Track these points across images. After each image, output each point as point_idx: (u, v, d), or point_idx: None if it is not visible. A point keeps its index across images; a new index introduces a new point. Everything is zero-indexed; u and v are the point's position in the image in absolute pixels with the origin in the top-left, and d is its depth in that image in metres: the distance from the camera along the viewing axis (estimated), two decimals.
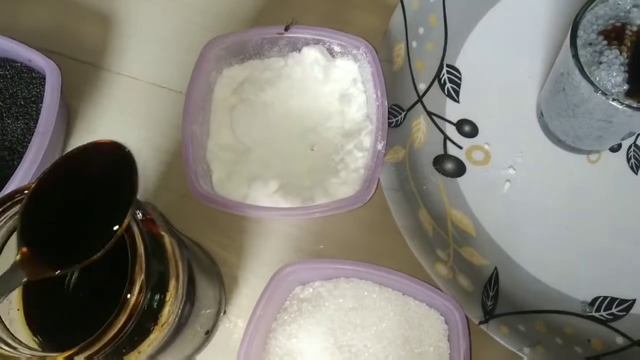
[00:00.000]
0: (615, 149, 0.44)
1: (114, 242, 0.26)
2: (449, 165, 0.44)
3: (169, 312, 0.29)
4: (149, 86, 0.48)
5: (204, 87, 0.42)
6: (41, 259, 0.26)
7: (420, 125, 0.45)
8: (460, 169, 0.44)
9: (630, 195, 0.43)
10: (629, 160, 0.44)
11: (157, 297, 0.28)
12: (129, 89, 0.48)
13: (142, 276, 0.26)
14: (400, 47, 0.45)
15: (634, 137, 0.44)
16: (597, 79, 0.35)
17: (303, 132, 0.43)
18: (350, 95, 0.43)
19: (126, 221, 0.27)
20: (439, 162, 0.44)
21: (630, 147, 0.44)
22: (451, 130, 0.45)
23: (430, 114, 0.45)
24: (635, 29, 0.36)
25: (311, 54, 0.43)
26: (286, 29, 0.42)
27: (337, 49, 0.43)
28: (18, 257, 0.26)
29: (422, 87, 0.46)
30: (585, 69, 0.35)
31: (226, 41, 0.42)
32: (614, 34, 0.36)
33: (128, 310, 0.26)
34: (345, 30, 0.44)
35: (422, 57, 0.46)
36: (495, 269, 0.41)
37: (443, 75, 0.46)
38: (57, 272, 0.26)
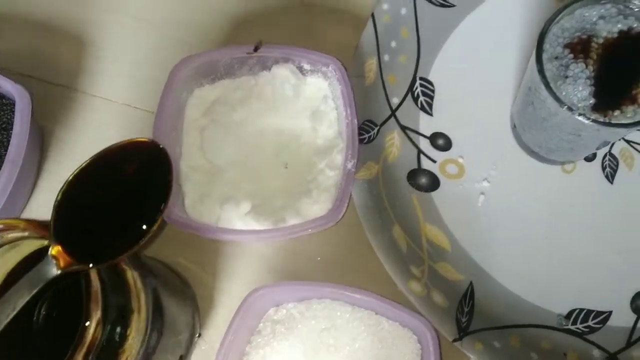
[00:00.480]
0: (590, 158, 0.44)
1: (146, 240, 0.28)
2: (423, 180, 0.44)
3: (132, 346, 0.29)
4: (123, 107, 0.48)
5: (175, 108, 0.42)
6: (73, 253, 0.27)
7: (393, 140, 0.45)
8: (434, 183, 0.44)
9: (606, 204, 0.43)
10: (604, 169, 0.44)
11: (117, 331, 0.28)
12: (104, 110, 0.48)
13: (99, 312, 0.26)
14: (372, 61, 0.45)
15: (609, 146, 0.44)
16: (564, 93, 0.35)
17: (276, 151, 0.43)
18: (321, 112, 0.43)
19: (159, 219, 0.29)
20: (413, 176, 0.44)
21: (605, 156, 0.44)
22: (425, 144, 0.45)
23: (403, 128, 0.45)
24: (601, 41, 0.36)
25: (281, 73, 0.42)
26: (255, 49, 0.42)
27: (307, 66, 0.43)
28: (51, 250, 0.27)
29: (395, 101, 0.46)
30: (551, 84, 0.35)
31: (196, 61, 0.42)
32: (580, 47, 0.36)
33: (85, 347, 0.26)
34: (317, 46, 0.44)
35: (395, 71, 0.46)
36: (471, 283, 0.41)
37: (416, 88, 0.46)
38: (89, 267, 0.27)
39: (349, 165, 0.40)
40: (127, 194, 0.30)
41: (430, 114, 0.46)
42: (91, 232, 0.29)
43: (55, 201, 0.28)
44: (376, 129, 0.44)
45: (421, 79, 0.46)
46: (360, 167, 0.42)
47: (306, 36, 0.49)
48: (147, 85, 0.48)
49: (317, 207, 0.40)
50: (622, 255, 0.42)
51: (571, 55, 0.36)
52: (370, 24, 0.45)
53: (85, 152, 0.46)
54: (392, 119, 0.45)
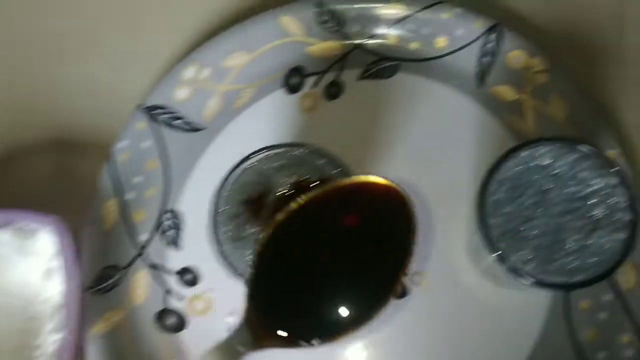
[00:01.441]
0: None
1: (371, 322, 0.20)
2: (171, 320, 0.44)
3: None
4: None
5: None
6: (273, 325, 0.22)
7: (140, 282, 0.44)
8: (181, 323, 0.44)
9: None
10: None
11: None
12: None
13: None
14: (112, 203, 0.45)
15: None
16: (236, 258, 0.35)
17: (8, 314, 0.42)
18: (53, 269, 0.42)
19: (392, 294, 0.21)
20: (160, 318, 0.44)
21: None
22: (173, 281, 0.44)
23: (151, 267, 0.45)
24: (275, 196, 0.35)
25: (5, 236, 0.42)
26: None
27: (33, 225, 0.42)
28: (244, 322, 0.21)
29: (143, 238, 0.45)
30: (230, 247, 0.35)
31: None
32: (255, 203, 0.36)
33: None
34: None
35: (142, 207, 0.45)
36: None
37: (164, 221, 0.45)
38: (294, 346, 0.21)
39: (65, 332, 0.39)
40: (347, 250, 0.23)
41: (179, 248, 0.45)
42: (297, 302, 0.23)
43: (254, 255, 0.22)
44: (120, 272, 0.44)
45: (170, 211, 0.46)
46: (98, 319, 0.42)
47: (58, 175, 0.48)
48: None
49: None
50: None
51: (246, 214, 0.35)
52: (105, 165, 0.45)
53: None
54: (139, 259, 0.45)
